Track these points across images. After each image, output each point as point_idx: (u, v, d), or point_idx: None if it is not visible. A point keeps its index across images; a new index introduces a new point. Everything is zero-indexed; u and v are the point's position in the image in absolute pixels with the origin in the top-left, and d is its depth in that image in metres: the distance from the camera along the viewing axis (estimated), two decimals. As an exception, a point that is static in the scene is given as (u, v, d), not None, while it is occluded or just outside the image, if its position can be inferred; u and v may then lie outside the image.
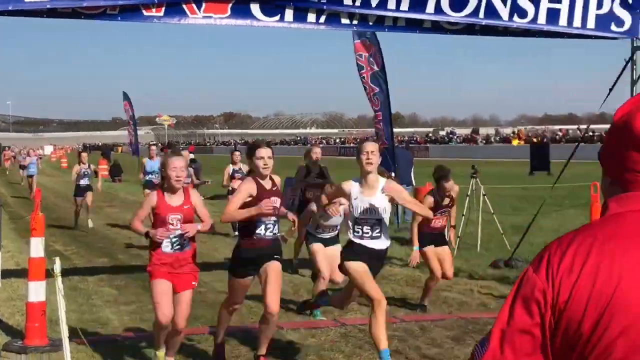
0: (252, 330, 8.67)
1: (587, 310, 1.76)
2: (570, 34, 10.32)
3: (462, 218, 14.46)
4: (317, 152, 13.19)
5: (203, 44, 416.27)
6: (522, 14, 9.94)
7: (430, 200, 9.81)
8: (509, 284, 11.40)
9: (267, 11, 9.31)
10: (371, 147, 7.30)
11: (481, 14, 9.82)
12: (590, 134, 58.17)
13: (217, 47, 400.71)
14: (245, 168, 14.73)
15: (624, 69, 10.89)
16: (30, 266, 7.93)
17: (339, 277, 9.63)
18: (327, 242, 10.09)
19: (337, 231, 10.27)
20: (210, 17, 9.15)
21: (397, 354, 8.06)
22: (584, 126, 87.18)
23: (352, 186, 7.38)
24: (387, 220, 7.48)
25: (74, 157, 71.93)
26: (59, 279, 6.89)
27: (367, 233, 7.33)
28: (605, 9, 10.11)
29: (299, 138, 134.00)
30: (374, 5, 9.49)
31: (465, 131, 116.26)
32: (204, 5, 9.06)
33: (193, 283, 7.37)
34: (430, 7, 9.64)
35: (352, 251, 7.40)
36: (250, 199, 7.19)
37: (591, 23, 10.13)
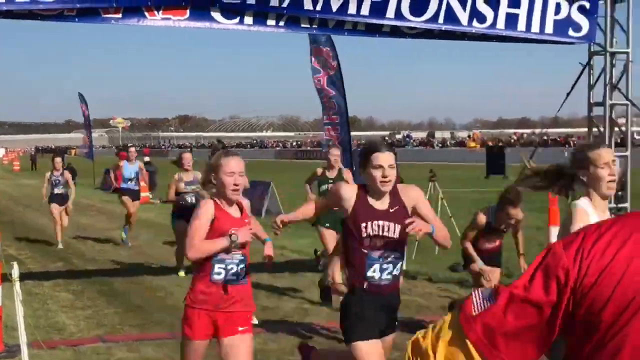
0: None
1: (612, 297, 1.73)
2: (528, 39, 10.40)
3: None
4: (335, 155, 11.69)
5: (159, 45, 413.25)
6: (481, 19, 10.00)
7: (482, 218, 8.67)
8: (468, 286, 11.46)
9: (227, 14, 9.25)
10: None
11: (441, 19, 9.85)
12: (545, 137, 58.88)
13: (173, 48, 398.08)
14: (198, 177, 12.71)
15: (581, 73, 11.01)
16: (-15, 271, 7.78)
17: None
18: None
19: None
20: (169, 18, 9.06)
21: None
22: (538, 130, 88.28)
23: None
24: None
25: (26, 160, 70.97)
26: (17, 284, 6.77)
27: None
28: (563, 14, 10.22)
29: (255, 141, 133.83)
30: (334, 10, 9.47)
31: (421, 135, 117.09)
32: (162, 9, 8.98)
33: (243, 329, 5.51)
34: (391, 12, 9.66)
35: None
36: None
37: (549, 28, 10.22)
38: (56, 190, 17.21)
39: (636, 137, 58.99)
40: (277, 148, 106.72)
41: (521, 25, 10.10)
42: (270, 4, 9.29)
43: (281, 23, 9.49)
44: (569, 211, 5.00)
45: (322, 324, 9.37)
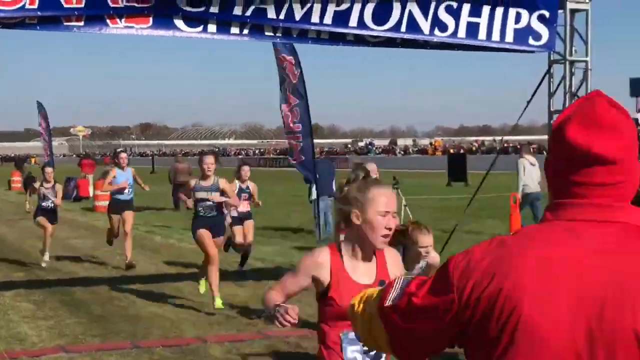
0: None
1: (492, 315, 1.78)
2: (489, 48, 10.51)
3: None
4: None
5: (119, 52, 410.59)
6: (443, 27, 10.09)
7: None
8: (431, 293, 11.53)
9: (190, 22, 9.24)
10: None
11: (403, 28, 9.93)
12: (505, 145, 59.43)
13: (134, 56, 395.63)
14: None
15: (541, 81, 11.17)
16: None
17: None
18: None
19: None
20: (132, 27, 9.02)
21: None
22: (499, 138, 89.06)
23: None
24: None
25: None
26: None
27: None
28: (523, 23, 10.35)
29: (217, 149, 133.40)
30: (297, 18, 9.51)
31: (383, 142, 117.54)
32: (124, 17, 8.94)
33: None
34: (354, 20, 9.71)
35: None
36: None
37: (509, 37, 10.35)
38: (44, 204, 15.44)
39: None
40: (240, 156, 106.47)
41: (482, 34, 10.21)
42: (234, 13, 9.30)
43: (245, 32, 9.50)
44: None
45: (286, 333, 9.37)
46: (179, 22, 9.15)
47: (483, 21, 10.18)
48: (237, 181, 13.62)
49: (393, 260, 4.03)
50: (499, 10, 10.22)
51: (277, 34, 9.70)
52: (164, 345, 8.88)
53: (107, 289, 12.37)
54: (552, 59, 11.11)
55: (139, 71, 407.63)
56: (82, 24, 8.79)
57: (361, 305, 2.17)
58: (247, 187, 13.71)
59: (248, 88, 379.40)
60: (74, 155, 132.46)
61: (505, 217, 16.02)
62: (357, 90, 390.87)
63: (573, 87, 11.10)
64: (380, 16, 9.79)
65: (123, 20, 8.94)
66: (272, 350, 8.71)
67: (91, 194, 31.71)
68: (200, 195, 10.82)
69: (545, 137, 11.99)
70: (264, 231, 20.03)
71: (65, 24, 8.74)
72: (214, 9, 9.19)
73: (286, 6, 9.42)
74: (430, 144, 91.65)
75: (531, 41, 10.44)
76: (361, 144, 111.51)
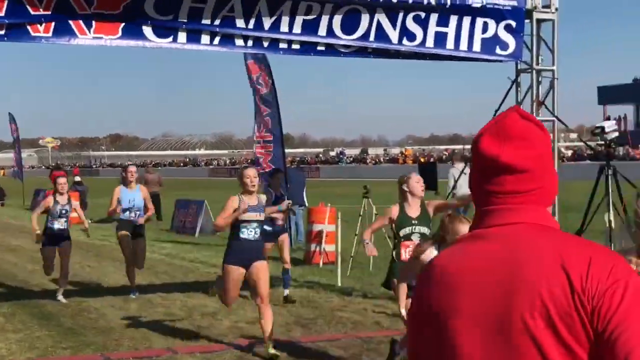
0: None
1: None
2: (457, 57, 10.61)
3: (354, 237, 14.62)
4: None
5: (87, 62, 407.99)
6: (411, 37, 10.17)
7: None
8: (402, 302, 11.57)
9: (160, 32, 9.23)
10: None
11: (372, 37, 9.99)
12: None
13: (103, 66, 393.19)
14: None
15: (508, 90, 11.28)
16: None
17: None
18: None
19: None
20: (101, 37, 8.99)
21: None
22: (468, 146, 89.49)
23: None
24: None
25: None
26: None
27: None
28: (490, 33, 10.45)
29: (188, 159, 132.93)
30: (266, 28, 9.54)
31: (354, 151, 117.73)
32: (94, 25, 8.90)
33: None
34: (323, 29, 9.76)
35: None
36: None
37: (477, 46, 10.45)
38: (57, 225, 12.31)
39: (563, 151, 60.31)
40: (211, 166, 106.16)
41: (450, 43, 10.30)
42: (203, 22, 9.31)
43: (215, 41, 9.50)
44: None
45: (258, 342, 9.36)
46: (148, 33, 9.14)
47: (451, 31, 10.28)
48: (270, 189, 12.13)
49: None
50: (467, 20, 10.32)
51: (248, 44, 9.71)
52: (134, 357, 8.84)
53: (77, 301, 12.27)
54: (519, 68, 11.22)
55: (108, 81, 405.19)
56: (50, 34, 8.74)
57: None
58: (282, 195, 12.13)
59: (218, 98, 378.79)
60: (43, 167, 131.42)
61: (476, 225, 16.08)
62: (327, 100, 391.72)
63: (540, 96, 11.22)
64: (349, 26, 9.85)
65: (92, 30, 8.90)
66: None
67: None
68: (250, 216, 8.73)
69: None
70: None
71: (33, 34, 8.68)
72: (182, 18, 9.19)
73: (255, 15, 9.45)
74: (401, 152, 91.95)
75: (498, 50, 10.55)
76: (332, 153, 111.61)
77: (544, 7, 10.97)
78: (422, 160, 65.81)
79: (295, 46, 9.84)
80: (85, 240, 21.20)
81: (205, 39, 9.42)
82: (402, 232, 8.57)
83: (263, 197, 9.32)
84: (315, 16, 9.68)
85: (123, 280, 13.48)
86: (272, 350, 8.58)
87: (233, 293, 8.88)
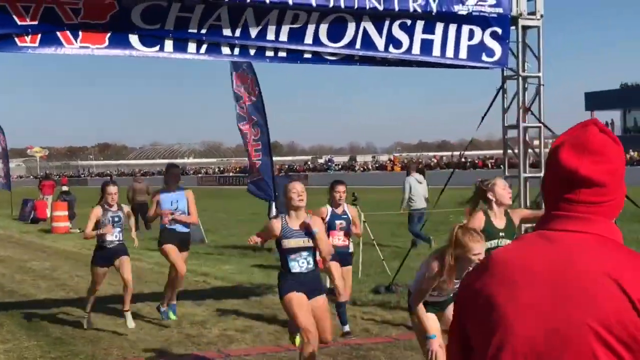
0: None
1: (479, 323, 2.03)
2: (443, 64, 10.66)
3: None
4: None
5: (75, 72, 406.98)
6: (397, 44, 10.21)
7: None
8: (391, 308, 11.61)
9: (146, 41, 9.24)
10: None
11: (358, 45, 10.03)
12: (463, 160, 59.91)
13: (90, 76, 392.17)
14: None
15: (495, 97, 11.33)
16: None
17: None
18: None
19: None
20: (88, 47, 8.99)
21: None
22: (457, 153, 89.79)
23: None
24: None
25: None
26: None
27: None
28: (476, 40, 10.51)
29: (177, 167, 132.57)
30: (253, 36, 9.56)
31: (343, 159, 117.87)
32: (80, 34, 8.91)
33: None
34: (309, 38, 9.80)
35: None
36: None
37: (463, 53, 10.50)
38: (109, 240, 10.62)
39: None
40: (199, 175, 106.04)
41: (436, 50, 10.35)
42: (189, 30, 9.33)
43: (202, 50, 9.52)
44: None
45: (246, 352, 9.37)
46: (135, 42, 9.15)
47: (437, 38, 10.33)
48: (328, 206, 10.37)
49: None
50: (452, 28, 10.37)
51: (235, 53, 9.73)
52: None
53: (65, 310, 12.25)
54: (505, 74, 11.28)
55: (96, 90, 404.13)
56: (36, 44, 8.74)
57: None
58: (345, 213, 10.35)
59: (206, 106, 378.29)
60: (32, 177, 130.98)
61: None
62: (316, 108, 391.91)
63: (526, 102, 11.27)
64: (335, 34, 9.89)
65: (78, 40, 8.91)
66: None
67: (48, 216, 31.37)
68: (296, 243, 7.51)
69: (502, 151, 12.16)
70: (224, 249, 20.00)
71: (19, 44, 8.68)
72: (169, 27, 9.21)
73: (241, 24, 9.47)
74: (390, 160, 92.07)
75: (484, 57, 10.61)
76: (321, 160, 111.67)
77: (529, 14, 11.03)
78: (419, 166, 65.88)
79: (282, 54, 9.86)
80: (72, 251, 21.20)
81: (192, 47, 9.43)
82: (488, 245, 7.12)
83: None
84: (301, 24, 9.72)
85: (112, 290, 13.45)
86: None
87: (306, 319, 7.23)
